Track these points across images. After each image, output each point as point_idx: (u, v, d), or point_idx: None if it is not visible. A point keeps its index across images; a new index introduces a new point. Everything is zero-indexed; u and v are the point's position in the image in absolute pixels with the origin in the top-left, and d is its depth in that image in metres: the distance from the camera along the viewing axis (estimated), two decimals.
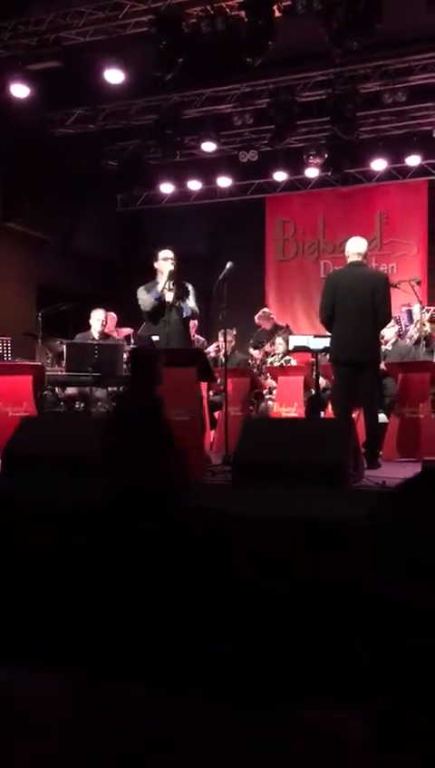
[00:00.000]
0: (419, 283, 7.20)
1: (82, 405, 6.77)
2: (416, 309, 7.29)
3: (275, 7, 6.85)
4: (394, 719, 2.03)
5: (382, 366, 6.02)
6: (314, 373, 6.53)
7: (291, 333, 8.25)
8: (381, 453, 5.44)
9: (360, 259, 5.39)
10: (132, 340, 8.33)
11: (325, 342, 5.74)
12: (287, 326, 8.98)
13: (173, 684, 2.78)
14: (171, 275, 5.47)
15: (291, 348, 7.22)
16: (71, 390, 6.69)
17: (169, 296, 5.49)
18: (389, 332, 6.97)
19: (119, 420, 3.57)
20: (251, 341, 8.96)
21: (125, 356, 7.25)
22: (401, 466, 5.32)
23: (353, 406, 5.39)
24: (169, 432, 3.68)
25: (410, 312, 7.62)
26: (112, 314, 7.84)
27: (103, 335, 6.90)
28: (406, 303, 7.64)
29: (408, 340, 7.19)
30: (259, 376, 8.05)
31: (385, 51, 8.16)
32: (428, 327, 6.92)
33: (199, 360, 5.11)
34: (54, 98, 8.80)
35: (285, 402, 7.27)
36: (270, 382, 7.90)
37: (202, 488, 4.30)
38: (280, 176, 10.65)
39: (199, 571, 3.02)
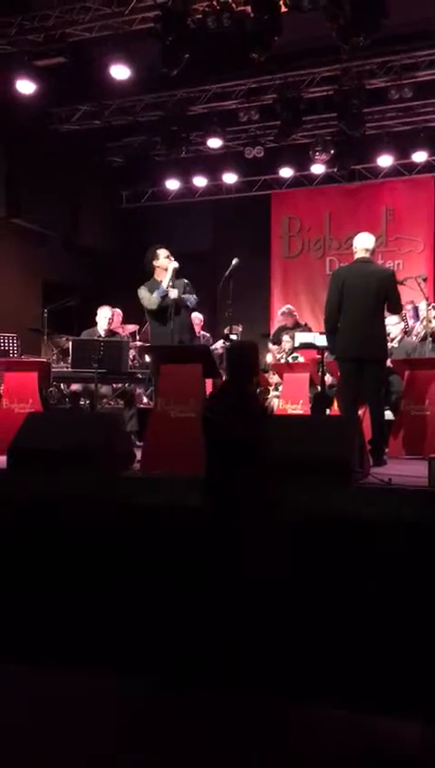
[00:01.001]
0: (425, 280, 7.16)
1: (88, 401, 6.77)
2: (422, 306, 7.26)
3: (281, 3, 6.82)
4: None
5: (389, 363, 6.00)
6: (320, 370, 6.52)
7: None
8: (387, 450, 5.42)
9: (367, 255, 5.37)
10: (137, 337, 8.34)
11: None
12: (306, 324, 8.98)
13: None
14: (172, 277, 5.54)
15: (297, 345, 7.21)
16: (76, 386, 6.70)
17: (174, 293, 5.52)
18: (395, 329, 6.95)
19: (218, 418, 3.41)
20: (271, 337, 8.95)
21: (131, 353, 7.27)
22: (408, 464, 5.31)
23: (359, 403, 5.37)
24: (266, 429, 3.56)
25: (416, 309, 7.59)
26: (118, 311, 7.84)
27: (109, 332, 6.91)
28: (410, 300, 7.61)
29: (414, 337, 7.17)
30: (266, 372, 8.05)
31: (391, 47, 8.13)
32: (434, 324, 6.89)
33: (205, 357, 5.10)
34: (60, 94, 8.79)
35: (291, 399, 7.27)
36: (275, 379, 7.89)
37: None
38: (286, 172, 10.63)
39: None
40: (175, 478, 4.05)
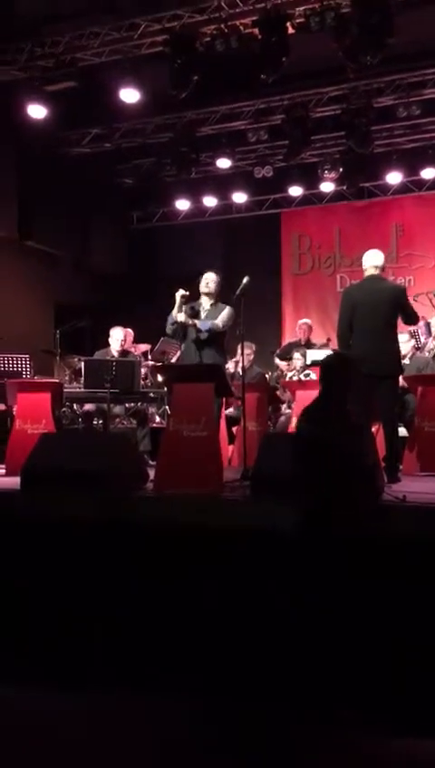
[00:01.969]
0: None
1: (101, 421, 6.78)
2: (434, 321, 7.25)
3: (288, 24, 6.90)
4: None
5: (402, 382, 5.97)
6: None
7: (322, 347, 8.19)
8: (401, 467, 5.38)
9: (377, 272, 5.37)
10: (149, 356, 8.36)
11: None
12: (329, 341, 8.94)
13: None
14: (180, 303, 5.62)
15: (308, 362, 7.20)
16: (89, 407, 6.71)
17: (181, 317, 5.59)
18: (406, 347, 6.93)
19: (313, 434, 3.34)
20: (278, 352, 8.90)
21: (143, 371, 7.29)
22: (422, 481, 5.27)
23: (373, 420, 5.35)
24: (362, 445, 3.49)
25: (428, 325, 7.57)
26: (130, 331, 7.88)
27: (122, 353, 6.94)
28: (422, 316, 7.59)
29: (427, 353, 7.14)
30: (278, 390, 8.02)
31: (398, 65, 8.18)
32: None
33: (217, 376, 5.10)
34: (71, 118, 8.90)
35: None
36: (287, 395, 7.86)
37: (221, 504, 4.28)
38: (295, 190, 10.68)
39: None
40: (190, 497, 4.04)
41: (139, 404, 6.72)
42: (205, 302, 5.75)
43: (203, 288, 5.75)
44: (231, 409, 7.51)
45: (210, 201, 11.16)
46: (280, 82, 7.49)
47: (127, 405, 6.73)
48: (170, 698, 2.96)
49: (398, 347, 5.45)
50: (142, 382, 6.93)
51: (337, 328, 5.41)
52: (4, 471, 5.78)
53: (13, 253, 9.72)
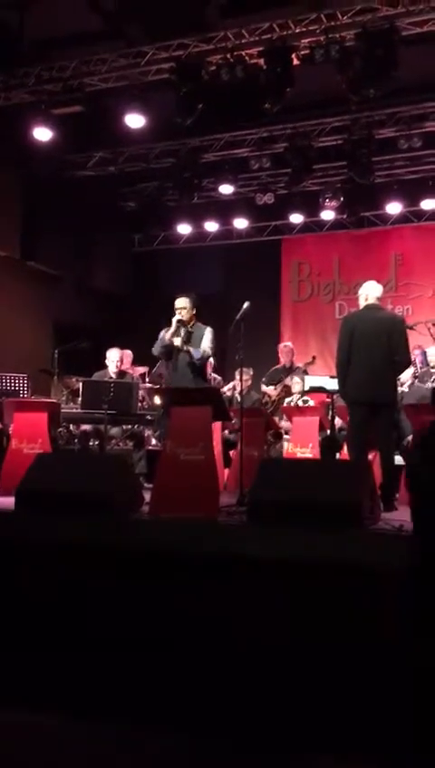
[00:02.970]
0: None
1: (97, 442, 6.76)
2: (431, 351, 7.28)
3: (293, 55, 7.01)
4: None
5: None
6: (330, 414, 6.51)
7: (306, 373, 8.21)
8: (397, 495, 5.37)
9: (376, 302, 5.41)
10: (147, 379, 8.37)
11: None
12: (314, 359, 8.92)
13: None
14: (177, 327, 5.66)
15: (307, 388, 7.21)
16: (86, 427, 6.70)
17: (178, 341, 5.62)
18: (405, 375, 6.95)
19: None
20: (264, 378, 8.90)
21: (140, 393, 7.28)
22: None
23: (370, 448, 5.35)
24: None
25: (424, 354, 7.60)
26: (128, 352, 7.89)
27: (120, 373, 6.94)
28: (418, 345, 7.62)
29: (429, 383, 7.14)
30: (273, 415, 8.02)
31: (400, 98, 8.31)
32: None
33: (215, 400, 5.10)
34: (76, 141, 9.01)
35: (301, 442, 7.23)
36: (285, 424, 7.85)
37: (217, 529, 4.26)
38: (296, 218, 10.78)
39: None
40: (185, 522, 4.01)
41: (135, 426, 6.71)
42: (172, 331, 5.76)
43: (179, 317, 5.75)
44: (227, 432, 7.50)
45: (212, 226, 11.26)
46: (284, 112, 7.60)
47: (124, 426, 6.72)
48: (154, 731, 2.91)
49: (395, 375, 5.46)
50: (139, 404, 6.93)
51: (336, 355, 5.42)
52: None
53: (14, 272, 9.76)
